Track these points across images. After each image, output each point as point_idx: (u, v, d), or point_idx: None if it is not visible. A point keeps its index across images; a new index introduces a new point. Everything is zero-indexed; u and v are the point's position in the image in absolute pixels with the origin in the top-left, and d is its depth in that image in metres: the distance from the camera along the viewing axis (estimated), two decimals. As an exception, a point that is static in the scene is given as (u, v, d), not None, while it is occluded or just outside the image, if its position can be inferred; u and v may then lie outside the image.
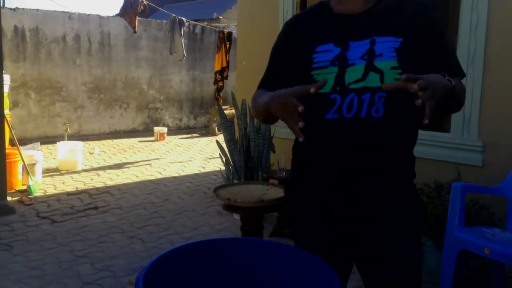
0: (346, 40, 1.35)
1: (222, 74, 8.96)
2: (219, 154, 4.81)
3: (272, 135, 4.49)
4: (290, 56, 1.45)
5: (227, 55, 8.96)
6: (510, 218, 2.81)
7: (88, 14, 8.77)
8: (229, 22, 12.16)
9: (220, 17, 14.50)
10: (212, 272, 1.35)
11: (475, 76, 3.30)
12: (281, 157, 4.02)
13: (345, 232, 1.44)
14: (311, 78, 1.38)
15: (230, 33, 9.04)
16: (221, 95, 9.03)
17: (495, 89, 3.24)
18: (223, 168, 4.83)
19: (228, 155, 4.55)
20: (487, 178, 3.14)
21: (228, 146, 4.50)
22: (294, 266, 1.34)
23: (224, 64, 8.95)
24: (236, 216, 4.14)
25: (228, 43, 8.97)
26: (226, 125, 4.52)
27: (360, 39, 1.35)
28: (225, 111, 5.62)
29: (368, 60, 1.33)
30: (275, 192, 3.13)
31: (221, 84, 8.99)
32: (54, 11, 8.47)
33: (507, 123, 3.20)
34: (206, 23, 11.10)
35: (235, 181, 4.35)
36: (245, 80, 5.75)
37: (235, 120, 4.73)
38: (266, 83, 1.50)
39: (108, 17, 9.06)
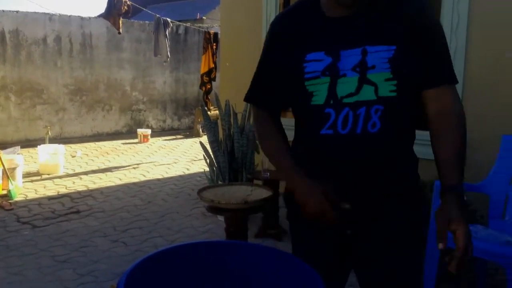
0: (337, 48, 1.28)
1: (209, 75, 8.82)
2: (203, 155, 4.78)
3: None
4: (280, 66, 1.38)
5: (214, 56, 8.84)
6: (492, 215, 2.83)
7: (69, 16, 8.66)
8: (213, 23, 12.13)
9: (204, 17, 14.46)
10: (195, 276, 1.33)
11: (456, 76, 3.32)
12: (266, 158, 4.00)
13: (341, 242, 1.41)
14: (304, 88, 1.33)
15: (216, 34, 8.96)
16: (209, 97, 8.84)
17: (475, 88, 3.27)
18: (207, 169, 4.80)
19: (212, 156, 4.52)
20: (468, 175, 3.16)
21: (212, 147, 4.47)
22: (277, 268, 1.32)
23: (212, 65, 8.81)
24: (221, 218, 4.11)
25: (214, 44, 8.88)
26: (210, 126, 4.49)
27: (351, 47, 1.27)
28: (209, 112, 5.59)
29: (360, 73, 1.26)
30: (260, 193, 3.11)
31: (209, 86, 8.81)
32: (35, 12, 8.34)
33: (487, 121, 3.23)
34: (189, 23, 11.04)
35: (220, 183, 4.33)
36: (229, 80, 5.73)
37: (219, 121, 4.71)
38: (258, 97, 1.47)
39: (90, 18, 8.96)
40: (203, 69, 8.84)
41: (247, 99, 1.51)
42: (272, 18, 5.16)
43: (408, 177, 1.39)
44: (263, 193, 3.10)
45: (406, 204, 1.37)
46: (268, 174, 3.97)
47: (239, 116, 4.45)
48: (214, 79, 8.82)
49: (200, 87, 8.85)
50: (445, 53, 1.35)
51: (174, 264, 1.29)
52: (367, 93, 1.27)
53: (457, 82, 1.38)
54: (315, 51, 1.30)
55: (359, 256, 1.43)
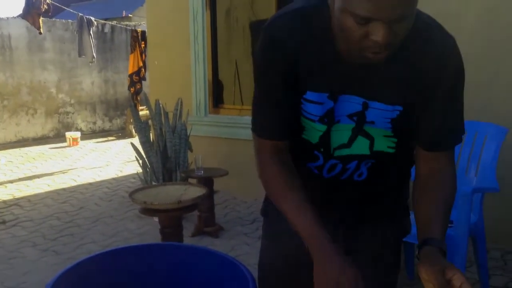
0: (337, 93, 1.10)
1: (139, 74, 8.55)
2: (135, 156, 4.68)
3: (188, 134, 4.44)
4: (286, 86, 1.13)
5: (143, 55, 8.58)
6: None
7: (-16, 16, 8.17)
8: (140, 20, 11.85)
9: (130, 15, 14.11)
10: (122, 282, 1.31)
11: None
12: (199, 156, 3.98)
13: None
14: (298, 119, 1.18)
15: (144, 32, 8.71)
16: (138, 98, 8.54)
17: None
18: (141, 171, 4.71)
19: (145, 157, 4.44)
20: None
21: (144, 148, 4.38)
22: (208, 267, 1.33)
23: (141, 64, 8.55)
24: (156, 219, 4.05)
25: (143, 42, 8.61)
26: (141, 127, 4.40)
27: (350, 93, 1.10)
28: (139, 112, 5.47)
29: (357, 123, 1.12)
30: (193, 191, 3.10)
31: (139, 86, 8.51)
32: None
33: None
34: (115, 22, 10.73)
35: (154, 183, 4.26)
36: (158, 79, 5.64)
37: (151, 121, 4.62)
38: (274, 129, 1.17)
39: (8, 18, 8.47)
40: (132, 68, 8.52)
41: (259, 132, 1.20)
42: (199, 14, 5.12)
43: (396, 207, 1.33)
44: (197, 191, 3.09)
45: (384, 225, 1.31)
46: (202, 171, 3.95)
47: (170, 115, 4.39)
48: (144, 78, 8.58)
49: (129, 88, 8.48)
50: (455, 116, 1.14)
51: (99, 272, 1.26)
52: (361, 146, 1.15)
53: (460, 142, 1.17)
54: (317, 90, 1.11)
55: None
